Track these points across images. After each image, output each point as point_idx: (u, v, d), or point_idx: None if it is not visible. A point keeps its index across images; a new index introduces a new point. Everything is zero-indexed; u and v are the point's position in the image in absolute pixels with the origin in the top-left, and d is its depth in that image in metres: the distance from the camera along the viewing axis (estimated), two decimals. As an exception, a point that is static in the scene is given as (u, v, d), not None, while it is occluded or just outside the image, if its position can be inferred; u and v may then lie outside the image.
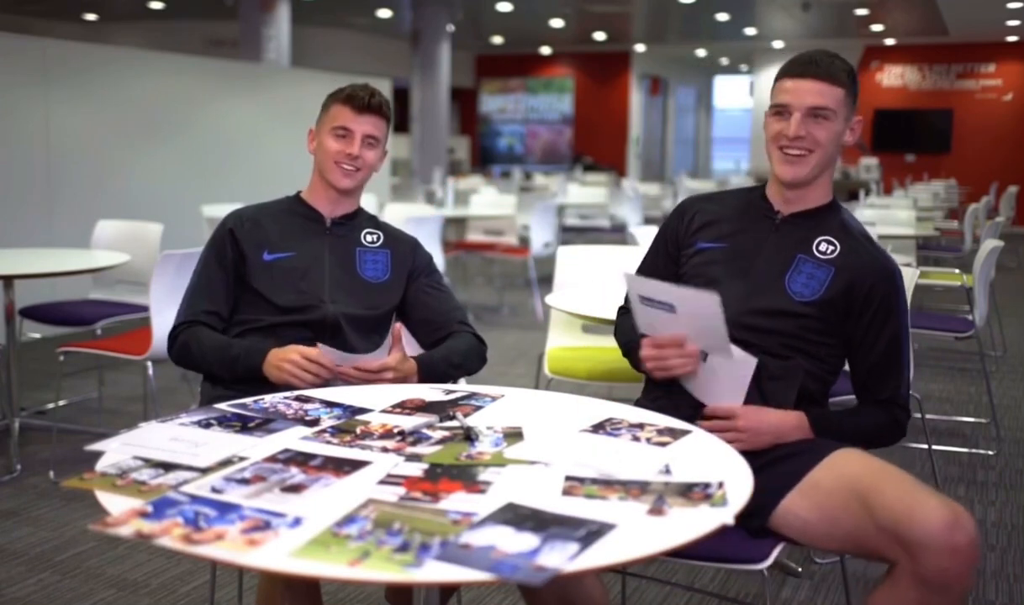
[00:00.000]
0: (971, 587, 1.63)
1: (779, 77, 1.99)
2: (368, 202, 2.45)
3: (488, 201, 8.32)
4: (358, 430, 1.60)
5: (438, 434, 1.58)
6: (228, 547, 1.13)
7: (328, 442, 1.53)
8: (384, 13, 15.38)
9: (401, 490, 1.32)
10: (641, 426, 1.65)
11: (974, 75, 17.23)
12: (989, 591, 2.83)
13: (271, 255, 2.25)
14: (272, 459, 1.44)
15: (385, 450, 1.50)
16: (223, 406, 1.74)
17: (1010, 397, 5.08)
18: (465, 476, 1.38)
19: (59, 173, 6.47)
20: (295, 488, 1.32)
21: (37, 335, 5.16)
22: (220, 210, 6.02)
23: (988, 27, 15.57)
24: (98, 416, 4.36)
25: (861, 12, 14.46)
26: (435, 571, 1.08)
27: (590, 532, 1.18)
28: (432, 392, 1.86)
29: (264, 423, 1.63)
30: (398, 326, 2.08)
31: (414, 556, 1.11)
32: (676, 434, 1.61)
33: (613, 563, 1.14)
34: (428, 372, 2.10)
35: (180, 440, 1.52)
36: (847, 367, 2.06)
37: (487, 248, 7.62)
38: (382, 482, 1.35)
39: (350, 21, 16.35)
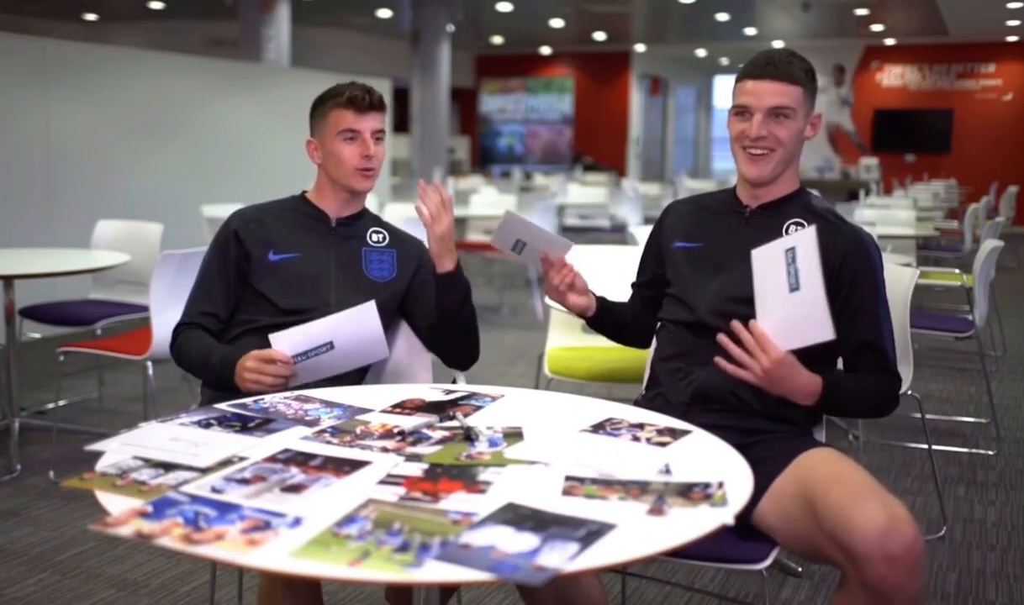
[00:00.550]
0: (917, 593, 1.56)
1: (739, 78, 2.02)
2: (368, 202, 2.45)
3: (488, 201, 8.32)
4: (358, 430, 1.60)
5: (438, 434, 1.58)
6: (228, 547, 1.13)
7: (328, 442, 1.53)
8: (384, 13, 15.38)
9: (401, 490, 1.32)
10: (641, 426, 1.65)
11: (974, 75, 17.23)
12: (989, 591, 2.83)
13: (277, 255, 2.25)
14: (272, 459, 1.44)
15: (385, 450, 1.50)
16: (223, 406, 1.74)
17: (1010, 397, 5.08)
18: (465, 476, 1.38)
19: (59, 173, 6.47)
20: (295, 488, 1.32)
21: (37, 335, 5.15)
22: (220, 210, 6.02)
23: (988, 27, 15.57)
24: (98, 416, 4.36)
25: (861, 12, 14.46)
26: (435, 571, 1.08)
27: (590, 532, 1.18)
28: (432, 392, 1.86)
29: (264, 423, 1.63)
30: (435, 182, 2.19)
31: (414, 556, 1.11)
32: (676, 434, 1.61)
33: (613, 563, 1.14)
34: (452, 284, 2.19)
35: (180, 440, 1.52)
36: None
37: (487, 248, 7.62)
38: (382, 482, 1.35)
39: (350, 21, 16.35)
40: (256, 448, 1.49)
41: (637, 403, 2.05)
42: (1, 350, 4.08)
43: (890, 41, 17.48)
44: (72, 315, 4.18)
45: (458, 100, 19.97)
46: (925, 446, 3.65)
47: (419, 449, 1.50)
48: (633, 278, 2.35)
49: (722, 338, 1.81)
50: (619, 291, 2.37)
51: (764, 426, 1.93)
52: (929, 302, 7.30)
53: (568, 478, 1.38)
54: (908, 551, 1.55)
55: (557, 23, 16.58)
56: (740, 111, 2.01)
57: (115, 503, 1.26)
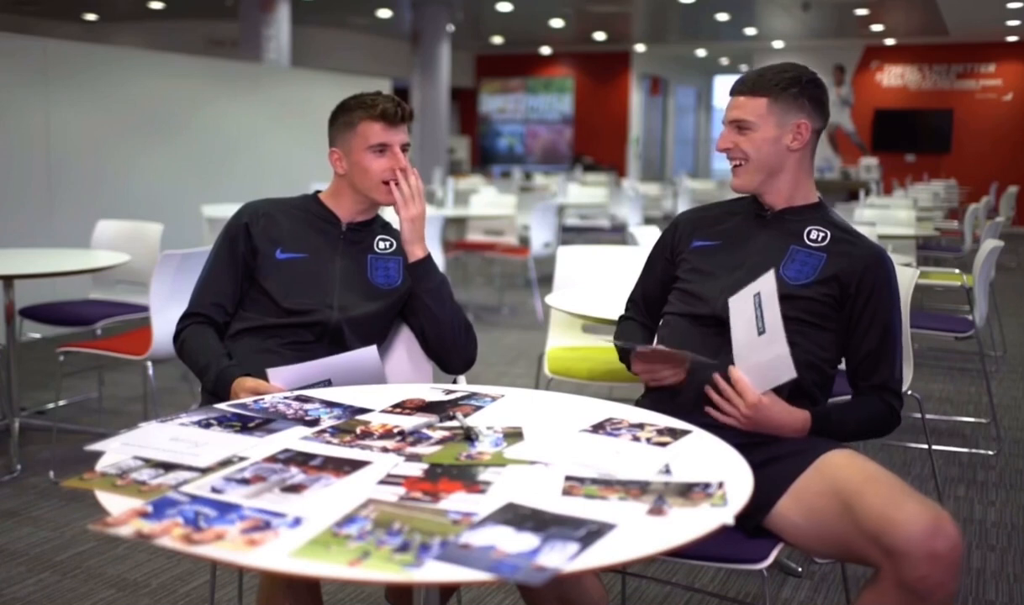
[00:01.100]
0: (955, 593, 1.61)
1: None
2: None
3: (488, 201, 8.31)
4: (358, 430, 1.60)
5: (438, 434, 1.58)
6: (228, 547, 1.13)
7: (328, 442, 1.53)
8: (384, 13, 15.38)
9: (401, 490, 1.32)
10: (641, 426, 1.65)
11: (974, 75, 17.22)
12: (989, 591, 2.83)
13: (284, 254, 2.24)
14: (272, 459, 1.44)
15: (385, 450, 1.50)
16: (223, 406, 1.74)
17: (1010, 397, 5.08)
18: (465, 476, 1.38)
19: (59, 173, 6.47)
20: (295, 488, 1.32)
21: (37, 335, 5.16)
22: (220, 210, 6.02)
23: (988, 27, 15.57)
24: (98, 416, 4.36)
25: (861, 12, 14.46)
26: (435, 571, 1.08)
27: (590, 532, 1.18)
28: (432, 392, 1.86)
29: (264, 423, 1.63)
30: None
31: (414, 556, 1.11)
32: (676, 434, 1.61)
33: (613, 563, 1.14)
34: (427, 271, 2.24)
35: (180, 440, 1.52)
36: (843, 366, 2.07)
37: (487, 248, 7.62)
38: (382, 482, 1.35)
39: (350, 21, 16.34)
40: (256, 448, 1.49)
41: (638, 403, 2.05)
42: (1, 350, 4.08)
43: (890, 41, 17.48)
44: (72, 315, 4.18)
45: (458, 100, 19.97)
46: (925, 446, 3.65)
47: (419, 449, 1.50)
48: (631, 280, 2.34)
49: (707, 389, 1.88)
50: (619, 291, 2.37)
51: None
52: (929, 302, 7.30)
53: (568, 478, 1.38)
54: (952, 549, 1.58)
55: (557, 23, 16.57)
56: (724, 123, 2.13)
57: (115, 503, 1.26)
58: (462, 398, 1.81)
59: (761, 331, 1.81)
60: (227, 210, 5.43)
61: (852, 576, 2.66)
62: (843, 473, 1.75)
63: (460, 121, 21.26)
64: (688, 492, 1.33)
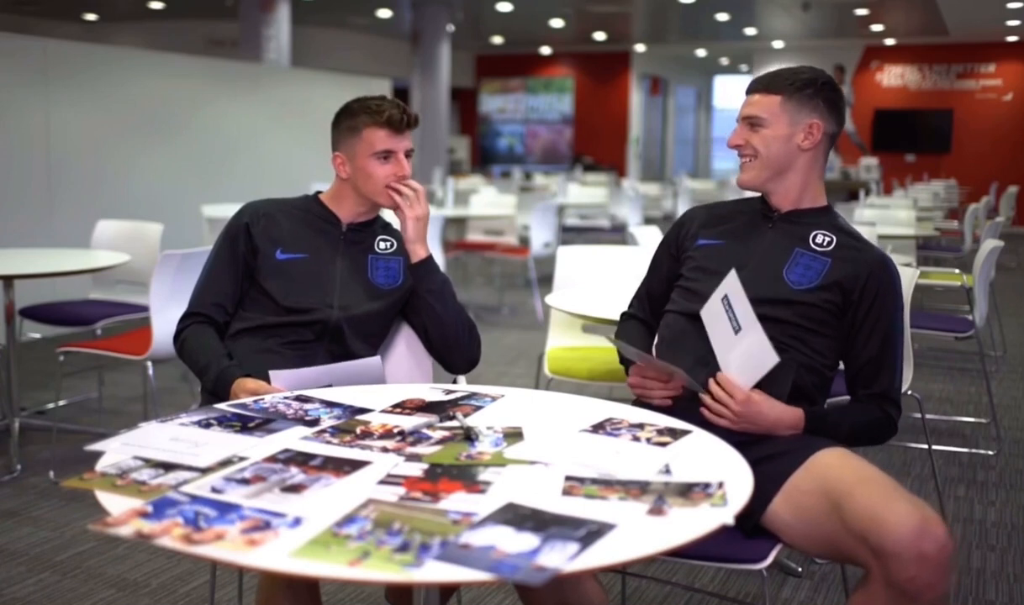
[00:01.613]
0: (944, 593, 1.60)
1: None
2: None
3: (488, 201, 8.31)
4: (358, 430, 1.60)
5: (438, 434, 1.58)
6: (228, 547, 1.13)
7: (328, 442, 1.53)
8: (384, 13, 15.38)
9: (401, 490, 1.32)
10: (641, 426, 1.65)
11: (974, 75, 17.22)
12: (989, 591, 2.83)
13: (284, 254, 2.24)
14: (272, 459, 1.44)
15: (385, 450, 1.50)
16: (223, 406, 1.74)
17: (1010, 397, 5.08)
18: (465, 476, 1.38)
19: (59, 173, 6.47)
20: (295, 488, 1.32)
21: (37, 335, 5.16)
22: (220, 210, 6.02)
23: (988, 27, 15.56)
24: (98, 416, 4.36)
25: (861, 12, 14.46)
26: (435, 571, 1.08)
27: (590, 532, 1.18)
28: (432, 392, 1.86)
29: (264, 423, 1.63)
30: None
31: (414, 556, 1.11)
32: (676, 434, 1.61)
33: (613, 563, 1.14)
34: (430, 270, 2.25)
35: (180, 440, 1.52)
36: (842, 366, 2.07)
37: (487, 248, 7.62)
38: (382, 482, 1.35)
39: (350, 21, 16.34)
40: (256, 448, 1.49)
41: (637, 403, 2.05)
42: (1, 350, 4.08)
43: (890, 41, 17.47)
44: (72, 315, 4.18)
45: (458, 100, 19.97)
46: (925, 446, 3.65)
47: (419, 449, 1.50)
48: (631, 280, 2.34)
49: (703, 396, 1.88)
50: (619, 291, 2.37)
51: None
52: (929, 302, 7.30)
53: (568, 478, 1.38)
54: (940, 550, 1.57)
55: (557, 23, 16.58)
56: (737, 121, 2.13)
57: (115, 503, 1.26)
58: (462, 398, 1.81)
59: (737, 329, 1.83)
60: (227, 210, 5.43)
61: (852, 576, 2.66)
62: (834, 473, 1.75)
63: (460, 121, 21.26)
64: (688, 492, 1.33)
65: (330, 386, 1.99)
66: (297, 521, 1.20)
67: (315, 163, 7.96)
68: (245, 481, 1.34)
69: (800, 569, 2.90)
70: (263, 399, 1.79)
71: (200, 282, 2.27)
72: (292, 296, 2.21)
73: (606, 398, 1.89)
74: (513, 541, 1.15)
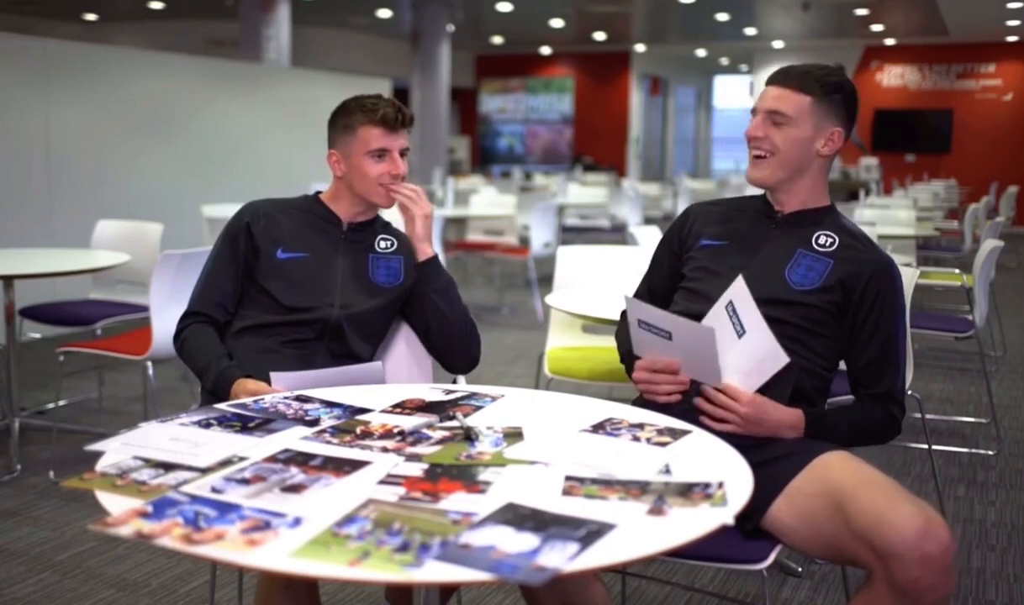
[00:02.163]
0: (947, 594, 1.61)
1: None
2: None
3: (488, 201, 8.32)
4: (358, 430, 1.60)
5: (438, 434, 1.58)
6: (228, 547, 1.13)
7: (328, 442, 1.53)
8: (384, 13, 15.38)
9: (401, 490, 1.32)
10: (641, 426, 1.65)
11: (974, 75, 17.23)
12: (989, 591, 2.83)
13: (285, 254, 2.25)
14: (272, 459, 1.44)
15: (385, 450, 1.50)
16: (223, 406, 1.74)
17: (1010, 397, 5.08)
18: (465, 476, 1.38)
19: (59, 173, 6.47)
20: (295, 488, 1.32)
21: (37, 335, 5.16)
22: (220, 210, 6.02)
23: (988, 27, 15.57)
24: (98, 416, 4.36)
25: (861, 12, 14.46)
26: (435, 571, 1.08)
27: (590, 532, 1.18)
28: (432, 392, 1.86)
29: (264, 423, 1.63)
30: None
31: (414, 556, 1.11)
32: (676, 434, 1.61)
33: (613, 563, 1.14)
34: (436, 270, 2.27)
35: (180, 440, 1.52)
36: (843, 366, 2.06)
37: (487, 248, 7.62)
38: (382, 482, 1.35)
39: (350, 21, 16.35)
40: (256, 448, 1.49)
41: (637, 403, 2.05)
42: (1, 350, 4.08)
43: (890, 41, 17.47)
44: (72, 315, 4.18)
45: (458, 100, 19.97)
46: (925, 446, 3.65)
47: (419, 449, 1.50)
48: (631, 280, 2.33)
49: (699, 402, 1.86)
50: (619, 291, 2.37)
51: None
52: (929, 302, 7.30)
53: (568, 478, 1.38)
54: (943, 552, 1.57)
55: (557, 23, 16.58)
56: (753, 112, 2.07)
57: (115, 503, 1.26)
58: (462, 398, 1.81)
59: (741, 334, 1.82)
60: (227, 210, 5.43)
61: (852, 576, 2.66)
62: (836, 475, 1.74)
63: (460, 121, 21.26)
64: (688, 492, 1.33)
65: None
66: (297, 521, 1.20)
67: (315, 163, 7.93)
68: (245, 481, 1.34)
69: (800, 569, 2.90)
70: (263, 399, 1.79)
71: (200, 282, 2.27)
72: (293, 295, 2.21)
73: (606, 398, 1.89)
74: (513, 541, 1.15)
